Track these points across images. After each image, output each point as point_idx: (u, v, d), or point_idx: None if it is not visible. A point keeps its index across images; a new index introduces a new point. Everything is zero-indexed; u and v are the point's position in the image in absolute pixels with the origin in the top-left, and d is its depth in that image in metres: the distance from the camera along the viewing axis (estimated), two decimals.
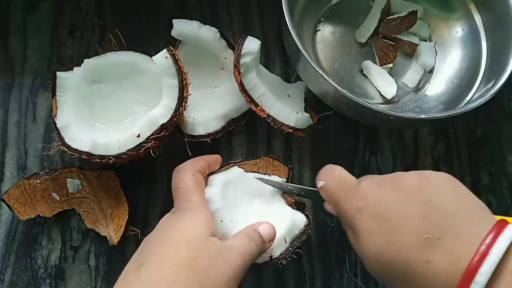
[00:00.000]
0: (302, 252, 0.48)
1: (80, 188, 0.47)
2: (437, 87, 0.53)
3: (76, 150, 0.42)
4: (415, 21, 0.53)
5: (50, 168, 0.48)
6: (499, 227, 0.30)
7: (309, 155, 0.51)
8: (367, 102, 0.41)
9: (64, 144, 0.43)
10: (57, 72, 0.44)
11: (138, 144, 0.42)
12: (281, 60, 0.53)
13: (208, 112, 0.48)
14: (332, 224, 0.49)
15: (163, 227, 0.38)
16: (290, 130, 0.47)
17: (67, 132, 0.43)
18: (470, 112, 0.43)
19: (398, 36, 0.54)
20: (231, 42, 0.49)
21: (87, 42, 0.52)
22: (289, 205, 0.46)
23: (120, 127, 0.46)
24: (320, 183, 0.39)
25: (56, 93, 0.44)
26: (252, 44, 0.45)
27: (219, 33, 0.48)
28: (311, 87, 0.47)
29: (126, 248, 0.47)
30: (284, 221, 0.43)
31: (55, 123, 0.43)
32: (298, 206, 0.45)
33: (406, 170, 0.51)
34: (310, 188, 0.43)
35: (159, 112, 0.42)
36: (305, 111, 0.50)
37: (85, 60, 0.45)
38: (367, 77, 0.53)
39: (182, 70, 0.43)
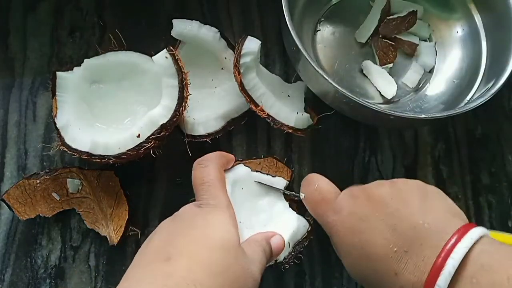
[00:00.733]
0: (302, 252, 0.48)
1: (80, 188, 0.46)
2: (437, 87, 0.53)
3: (76, 150, 0.42)
4: (415, 21, 0.53)
5: (50, 168, 0.48)
6: (462, 233, 0.31)
7: (309, 155, 0.51)
8: (367, 102, 0.41)
9: (64, 144, 0.43)
10: (57, 72, 0.44)
11: (138, 144, 0.42)
12: (281, 60, 0.53)
13: (208, 112, 0.48)
14: None
15: (191, 219, 0.36)
16: (290, 130, 0.47)
17: (67, 132, 0.43)
18: (470, 112, 0.43)
19: (398, 36, 0.53)
20: (231, 42, 0.49)
21: (87, 42, 0.52)
22: (292, 207, 0.45)
23: (120, 127, 0.46)
24: (301, 195, 0.42)
25: (56, 93, 0.44)
26: (252, 44, 0.45)
27: (219, 33, 0.48)
28: (311, 87, 0.47)
29: (126, 248, 0.47)
30: (288, 226, 0.43)
31: (55, 123, 0.43)
32: (299, 209, 0.45)
33: (406, 170, 0.52)
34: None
35: (159, 112, 0.42)
36: (305, 111, 0.50)
37: (85, 60, 0.45)
38: (367, 77, 0.53)
39: (182, 70, 0.43)
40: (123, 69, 0.46)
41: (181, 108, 0.42)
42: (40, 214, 0.46)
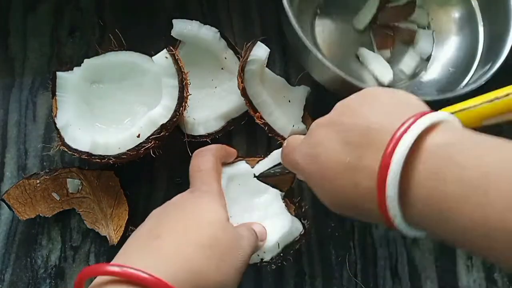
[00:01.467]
0: (302, 252, 0.48)
1: (80, 188, 0.47)
2: (432, 74, 0.53)
3: (76, 150, 0.42)
4: (413, 10, 0.53)
5: (50, 168, 0.48)
6: (415, 119, 0.27)
7: None
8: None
9: (64, 144, 0.43)
10: (57, 72, 0.44)
11: (138, 144, 0.42)
12: (282, 60, 0.53)
13: (208, 112, 0.48)
14: (332, 224, 0.49)
15: (182, 203, 0.37)
16: (283, 142, 0.47)
17: (67, 132, 0.43)
18: None
19: (396, 24, 0.54)
20: (231, 42, 0.49)
21: (87, 42, 0.52)
22: (289, 211, 0.45)
23: (120, 127, 0.46)
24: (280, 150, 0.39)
25: (56, 93, 0.44)
26: (260, 51, 0.44)
27: (219, 33, 0.48)
28: (315, 76, 0.47)
29: None
30: (281, 227, 0.43)
31: (55, 123, 0.43)
32: (297, 212, 0.45)
33: None
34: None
35: (159, 112, 0.42)
36: (303, 115, 0.50)
37: (85, 60, 0.45)
38: (363, 64, 0.53)
39: (182, 70, 0.42)
40: (123, 69, 0.46)
41: (181, 108, 0.42)
42: (40, 214, 0.46)
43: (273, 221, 0.43)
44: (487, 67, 0.46)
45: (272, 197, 0.45)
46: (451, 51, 0.54)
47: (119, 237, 0.45)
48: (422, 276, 0.48)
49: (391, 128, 0.27)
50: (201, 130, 0.47)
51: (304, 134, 0.48)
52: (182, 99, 0.42)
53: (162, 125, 0.42)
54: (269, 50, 0.44)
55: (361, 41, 0.54)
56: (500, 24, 0.48)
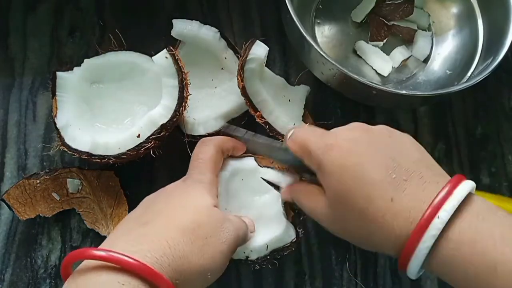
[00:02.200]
0: (302, 252, 0.48)
1: (80, 188, 0.46)
2: (430, 76, 0.54)
3: (76, 150, 0.42)
4: (411, 10, 0.53)
5: (50, 168, 0.48)
6: (458, 178, 0.31)
7: None
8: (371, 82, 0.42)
9: (64, 144, 0.43)
10: (57, 72, 0.44)
11: (138, 144, 0.42)
12: (282, 59, 0.53)
13: (208, 112, 0.48)
14: None
15: (172, 191, 0.38)
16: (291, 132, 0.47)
17: (67, 132, 0.43)
18: (470, 112, 0.43)
19: (396, 23, 0.54)
20: (231, 42, 0.49)
21: (87, 42, 0.52)
22: (287, 217, 0.44)
23: (120, 127, 0.46)
24: (289, 133, 0.38)
25: (56, 93, 0.44)
26: (259, 50, 0.44)
27: (219, 33, 0.48)
28: (316, 73, 0.47)
29: None
30: (274, 230, 0.43)
31: (55, 123, 0.43)
32: (295, 220, 0.44)
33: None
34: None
35: (159, 112, 0.42)
36: (303, 114, 0.50)
37: (85, 60, 0.45)
38: (361, 57, 0.54)
39: (182, 70, 0.42)
40: (123, 69, 0.46)
41: (181, 108, 0.42)
42: (40, 214, 0.46)
43: (267, 223, 0.43)
44: (487, 63, 0.47)
45: (272, 199, 0.45)
46: (450, 50, 0.54)
47: None
48: (422, 276, 0.48)
49: (439, 173, 0.32)
50: (201, 130, 0.47)
51: None
52: (182, 99, 0.42)
53: (162, 125, 0.42)
54: (268, 48, 0.44)
55: (359, 37, 0.55)
56: (500, 20, 0.48)
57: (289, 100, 0.50)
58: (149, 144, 0.41)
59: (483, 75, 0.44)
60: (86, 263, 0.30)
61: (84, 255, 0.30)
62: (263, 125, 0.46)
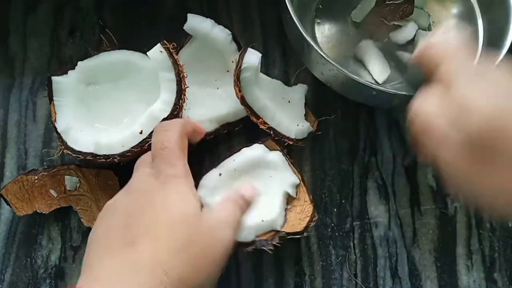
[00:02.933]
0: (302, 252, 0.48)
1: (78, 185, 0.46)
2: None
3: (80, 152, 0.42)
4: (411, 11, 0.53)
5: (48, 165, 0.48)
6: None
7: (309, 155, 0.51)
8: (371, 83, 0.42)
9: (68, 147, 0.43)
10: (52, 77, 0.44)
11: (142, 140, 0.42)
12: (281, 60, 0.53)
13: (204, 112, 0.47)
14: (332, 224, 0.49)
15: (150, 196, 0.35)
16: (291, 142, 0.47)
17: (68, 136, 0.43)
18: None
19: (396, 23, 0.54)
20: (242, 47, 0.48)
21: (87, 42, 0.52)
22: (285, 210, 0.44)
23: (120, 126, 0.46)
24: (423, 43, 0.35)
25: (53, 98, 0.44)
26: (252, 58, 0.43)
27: (231, 35, 0.47)
28: (316, 74, 0.47)
29: None
30: (263, 215, 0.42)
31: (55, 128, 0.43)
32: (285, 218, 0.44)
33: (406, 170, 0.51)
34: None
35: (159, 107, 0.42)
36: (305, 114, 0.50)
37: (79, 63, 0.45)
38: (359, 60, 0.53)
39: (178, 63, 0.42)
40: (118, 68, 0.46)
41: (181, 101, 0.42)
42: (38, 210, 0.46)
43: (263, 205, 0.42)
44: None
45: (276, 192, 0.45)
46: None
47: None
48: (422, 276, 0.48)
49: None
50: None
51: (312, 131, 0.48)
52: (180, 92, 0.42)
53: (164, 119, 0.42)
54: (260, 54, 0.44)
55: (359, 37, 0.54)
56: (500, 20, 0.48)
57: (289, 101, 0.50)
58: None
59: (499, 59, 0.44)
60: None
61: None
62: (267, 130, 0.46)
